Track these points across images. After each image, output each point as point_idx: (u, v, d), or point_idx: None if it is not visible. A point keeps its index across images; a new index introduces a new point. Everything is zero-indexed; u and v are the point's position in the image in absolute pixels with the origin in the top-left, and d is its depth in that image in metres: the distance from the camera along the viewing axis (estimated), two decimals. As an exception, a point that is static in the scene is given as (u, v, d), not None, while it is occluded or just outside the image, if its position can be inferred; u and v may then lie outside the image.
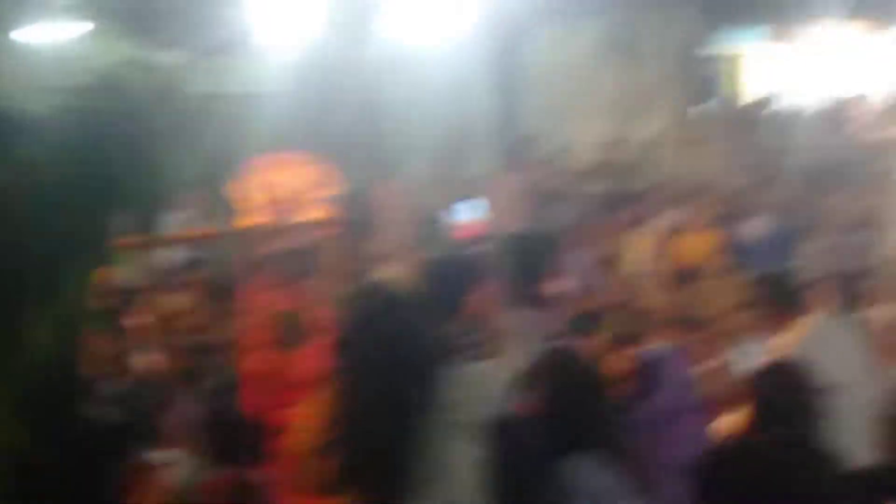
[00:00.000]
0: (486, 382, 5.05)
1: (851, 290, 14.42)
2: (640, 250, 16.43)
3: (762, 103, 23.25)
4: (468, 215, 7.30)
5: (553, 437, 5.25)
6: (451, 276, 6.30)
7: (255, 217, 9.73)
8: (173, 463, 6.44)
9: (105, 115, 2.76)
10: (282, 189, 9.62)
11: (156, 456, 6.10)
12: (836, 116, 22.24)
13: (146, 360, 10.71)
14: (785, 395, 5.79)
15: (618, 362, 9.78)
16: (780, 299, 7.17)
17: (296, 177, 9.86)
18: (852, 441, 6.32)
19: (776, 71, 24.80)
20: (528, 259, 7.98)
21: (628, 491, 5.14)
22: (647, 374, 6.10)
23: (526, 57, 20.15)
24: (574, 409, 5.24)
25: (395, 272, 14.72)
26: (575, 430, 5.20)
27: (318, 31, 16.29)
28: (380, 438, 4.86)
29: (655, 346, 6.88)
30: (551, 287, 15.30)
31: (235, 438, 6.39)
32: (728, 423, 7.18)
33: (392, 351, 4.95)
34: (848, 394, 6.75)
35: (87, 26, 17.25)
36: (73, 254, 2.75)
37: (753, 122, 21.76)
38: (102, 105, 2.70)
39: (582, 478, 5.09)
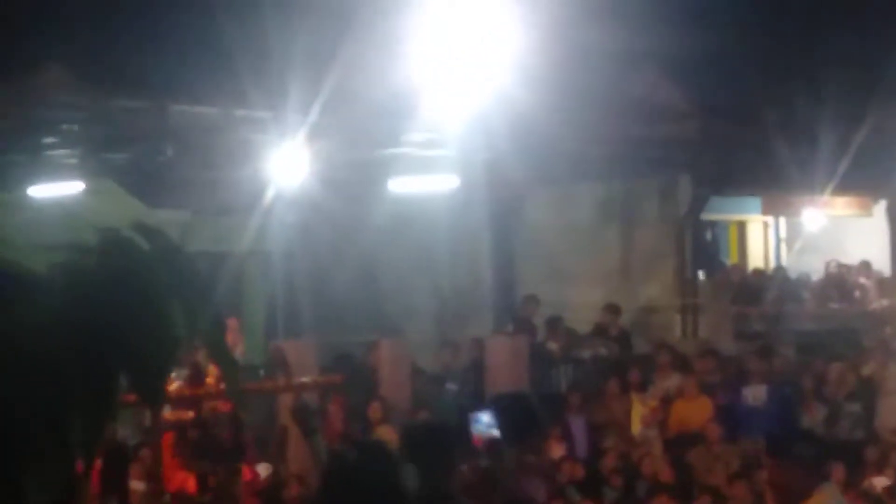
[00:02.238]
0: None
1: (853, 458, 14.41)
2: (639, 416, 16.41)
3: (763, 271, 23.40)
4: (487, 427, 7.27)
5: None
6: (441, 444, 6.24)
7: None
8: None
9: (108, 273, 2.78)
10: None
11: None
12: (836, 285, 22.37)
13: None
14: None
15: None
16: (788, 467, 7.10)
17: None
18: None
19: (775, 240, 25.01)
20: (527, 422, 7.94)
21: None
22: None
23: (525, 219, 20.32)
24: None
25: (389, 434, 14.74)
26: None
27: (321, 192, 16.45)
28: None
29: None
30: (551, 452, 15.32)
31: None
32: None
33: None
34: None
35: (94, 184, 17.50)
36: (76, 413, 2.76)
37: (754, 289, 21.87)
38: (106, 263, 2.72)
39: None
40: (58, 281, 2.78)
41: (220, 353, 2.77)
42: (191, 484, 8.62)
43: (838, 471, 12.80)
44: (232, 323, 14.56)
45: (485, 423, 7.30)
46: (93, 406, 2.65)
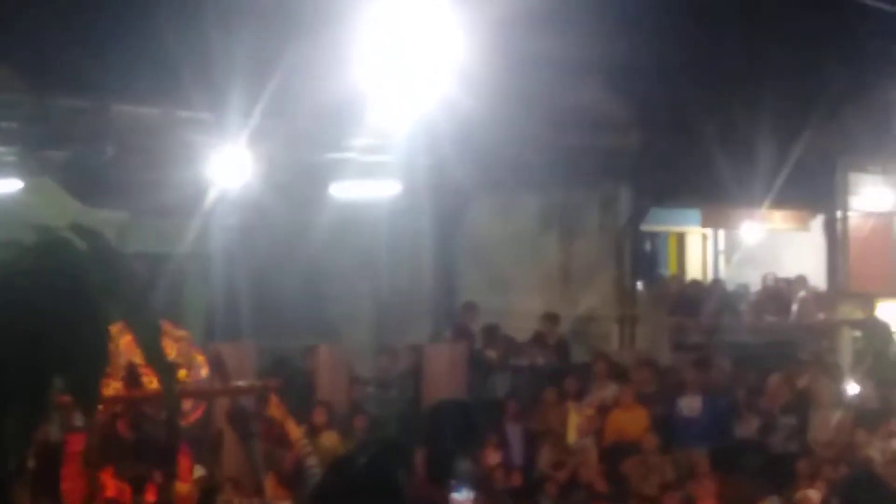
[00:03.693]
0: None
1: (783, 471, 14.53)
2: (576, 424, 16.46)
3: (701, 282, 23.53)
4: (462, 496, 7.24)
5: None
6: (388, 461, 6.23)
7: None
8: None
9: (43, 273, 2.77)
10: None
11: None
12: (773, 298, 22.52)
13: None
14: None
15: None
16: (734, 479, 7.15)
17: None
18: None
19: (713, 252, 25.17)
20: (463, 429, 7.94)
21: None
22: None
23: (467, 226, 20.34)
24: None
25: (334, 439, 14.72)
26: None
27: (262, 194, 16.41)
28: None
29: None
30: (487, 459, 15.35)
31: None
32: None
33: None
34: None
35: (33, 182, 17.37)
36: (7, 412, 2.74)
37: (693, 300, 21.99)
38: (41, 263, 2.71)
39: None
40: (8, 274, 2.76)
41: (154, 356, 2.76)
42: (124, 488, 8.58)
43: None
44: (167, 326, 14.50)
45: (461, 496, 7.29)
46: (25, 405, 2.64)
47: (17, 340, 2.71)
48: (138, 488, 8.26)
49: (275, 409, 8.16)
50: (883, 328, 19.82)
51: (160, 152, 16.39)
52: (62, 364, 2.74)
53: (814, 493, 13.23)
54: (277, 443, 9.61)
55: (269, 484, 9.35)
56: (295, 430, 7.90)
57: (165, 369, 2.99)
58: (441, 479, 7.69)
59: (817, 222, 23.26)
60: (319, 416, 15.15)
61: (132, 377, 9.87)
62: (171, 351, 10.02)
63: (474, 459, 12.74)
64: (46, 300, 2.72)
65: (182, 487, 8.64)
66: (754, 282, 23.38)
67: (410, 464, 6.65)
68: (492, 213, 20.90)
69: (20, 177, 17.16)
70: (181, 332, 10.21)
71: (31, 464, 7.56)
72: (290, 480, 9.10)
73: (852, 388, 16.93)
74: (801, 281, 22.61)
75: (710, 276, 24.39)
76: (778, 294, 22.62)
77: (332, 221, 17.62)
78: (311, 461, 6.91)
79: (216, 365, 9.42)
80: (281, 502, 8.81)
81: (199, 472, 10.57)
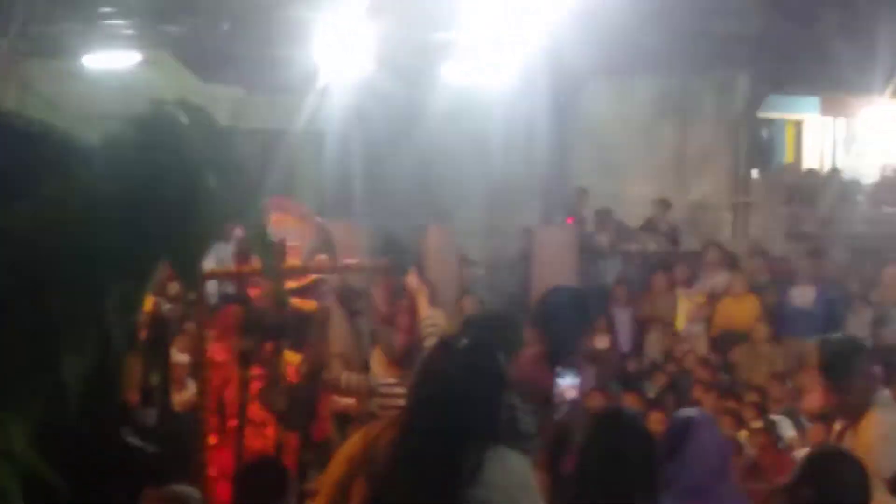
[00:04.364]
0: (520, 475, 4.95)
1: (894, 364, 14.35)
2: (685, 312, 16.39)
3: (818, 172, 23.21)
4: (567, 384, 7.22)
5: (584, 498, 5.22)
6: (497, 334, 6.22)
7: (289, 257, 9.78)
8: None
9: (147, 147, 2.77)
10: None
11: (182, 489, 6.08)
12: (889, 189, 22.15)
13: (185, 393, 10.76)
14: (827, 477, 5.71)
15: (652, 424, 9.74)
16: (834, 369, 7.01)
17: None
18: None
19: (832, 141, 24.76)
20: (573, 315, 7.91)
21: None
22: (676, 438, 6.03)
23: (581, 110, 20.19)
24: (610, 470, 5.22)
25: (440, 319, 14.80)
26: (608, 494, 5.17)
27: (377, 75, 16.38)
28: (421, 487, 4.81)
29: (687, 410, 6.80)
30: (595, 344, 15.35)
31: (265, 485, 6.37)
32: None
33: (466, 404, 4.88)
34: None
35: (150, 56, 17.50)
36: (120, 281, 2.76)
37: (809, 190, 21.71)
38: (144, 136, 2.71)
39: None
40: (106, 152, 2.77)
41: (256, 235, 2.75)
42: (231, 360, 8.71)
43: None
44: (290, 203, 14.49)
45: (565, 382, 7.27)
46: (129, 280, 2.66)
47: (120, 214, 2.71)
48: (245, 362, 8.37)
49: (409, 285, 8.14)
50: None
51: (275, 28, 16.39)
52: (164, 239, 2.74)
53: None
54: (385, 320, 9.66)
55: (375, 361, 9.42)
56: (425, 308, 7.89)
57: (267, 248, 2.98)
58: (550, 363, 7.68)
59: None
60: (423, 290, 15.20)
61: (243, 253, 9.99)
62: (294, 226, 10.12)
63: (583, 344, 12.73)
64: (149, 175, 2.72)
65: (288, 362, 8.74)
66: (872, 172, 23.00)
67: (517, 340, 6.64)
68: (607, 98, 20.72)
69: (138, 50, 17.31)
70: (304, 209, 10.31)
71: (142, 335, 7.69)
72: (401, 358, 9.15)
73: (970, 283, 16.62)
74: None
75: (827, 166, 24.01)
76: (893, 186, 22.24)
77: (446, 103, 17.56)
78: (430, 342, 6.93)
79: (325, 242, 9.48)
80: (388, 379, 8.85)
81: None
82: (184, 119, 2.84)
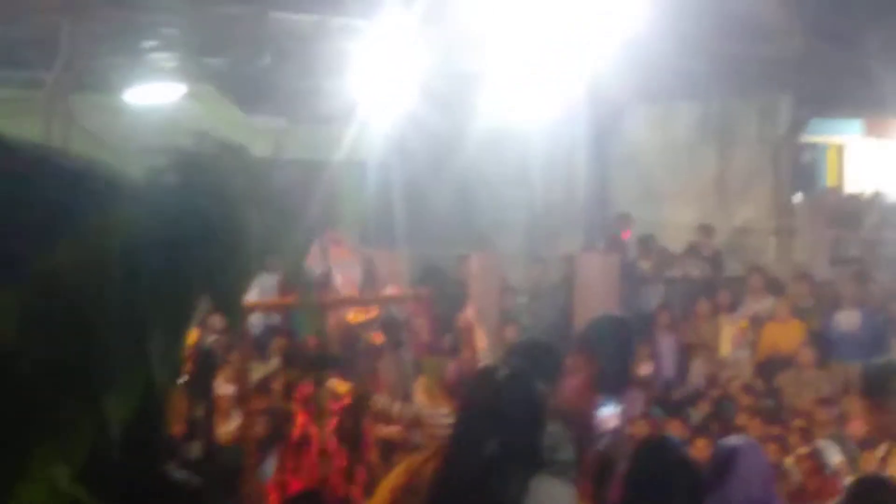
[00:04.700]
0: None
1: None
2: (729, 337, 16.34)
3: (862, 195, 23.12)
4: (609, 412, 7.24)
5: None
6: (539, 362, 6.26)
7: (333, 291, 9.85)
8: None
9: (201, 183, 2.80)
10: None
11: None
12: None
13: (230, 425, 10.81)
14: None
15: (697, 450, 9.72)
16: (874, 390, 7.01)
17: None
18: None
19: (875, 164, 24.67)
20: (617, 342, 7.91)
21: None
22: (721, 465, 6.03)
23: (622, 136, 20.20)
24: (656, 498, 5.23)
25: (483, 347, 14.80)
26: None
27: (417, 104, 16.44)
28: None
29: (732, 437, 6.80)
30: (639, 371, 15.31)
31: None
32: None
33: (507, 434, 4.91)
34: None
35: (194, 89, 17.64)
36: (164, 319, 2.79)
37: (852, 213, 21.63)
38: (206, 169, 2.75)
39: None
40: (148, 189, 2.81)
41: (295, 272, 2.79)
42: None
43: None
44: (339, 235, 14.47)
45: (608, 410, 7.29)
46: (173, 319, 2.69)
47: (162, 256, 2.75)
48: (287, 394, 8.41)
49: (467, 318, 8.19)
50: None
51: (316, 59, 16.49)
52: (207, 278, 2.78)
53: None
54: (427, 350, 9.69)
55: (419, 391, 9.43)
56: (482, 340, 7.93)
57: (305, 286, 3.02)
58: (595, 390, 7.68)
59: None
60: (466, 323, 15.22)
61: (286, 285, 10.05)
62: (349, 259, 10.21)
63: (629, 372, 12.70)
64: (190, 213, 2.75)
65: (333, 395, 8.77)
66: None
67: (558, 368, 6.65)
68: (648, 123, 20.73)
69: (181, 82, 17.44)
70: (355, 241, 10.39)
71: (186, 368, 7.74)
72: (452, 388, 9.16)
73: None
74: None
75: (870, 189, 23.91)
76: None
77: (486, 132, 17.60)
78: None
79: (368, 273, 9.52)
80: (438, 410, 8.87)
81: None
82: (223, 156, 2.88)
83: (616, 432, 7.11)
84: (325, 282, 14.01)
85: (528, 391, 5.02)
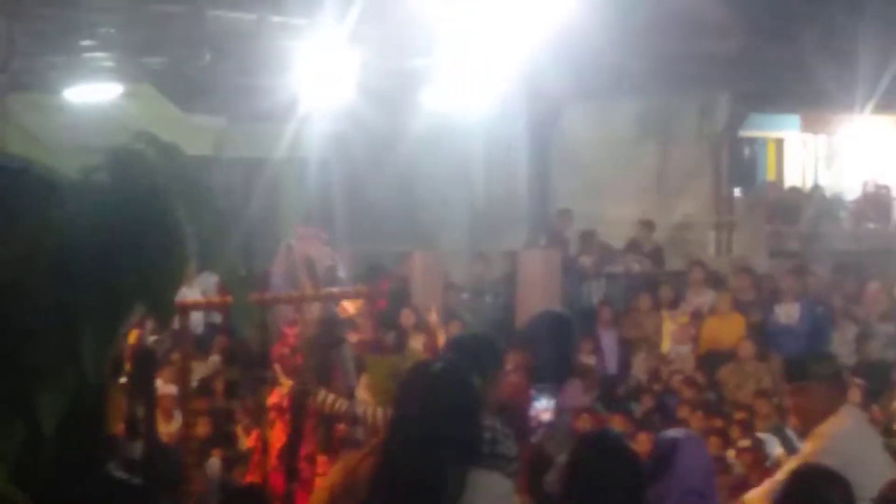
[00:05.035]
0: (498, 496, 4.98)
1: (879, 379, 14.41)
2: (670, 332, 16.42)
3: (800, 189, 23.29)
4: (544, 406, 7.28)
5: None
6: (475, 356, 6.28)
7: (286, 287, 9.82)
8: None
9: (132, 182, 2.79)
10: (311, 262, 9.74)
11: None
12: (872, 204, 22.25)
13: (173, 425, 10.77)
14: (811, 495, 5.79)
15: (639, 444, 9.77)
16: (799, 379, 7.18)
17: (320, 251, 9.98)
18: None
19: (813, 158, 24.86)
20: (557, 337, 7.96)
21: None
22: (661, 457, 6.06)
23: (562, 133, 20.25)
24: (597, 490, 5.24)
25: (419, 345, 14.81)
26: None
27: (357, 101, 16.41)
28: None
29: (673, 430, 6.85)
30: (580, 365, 15.35)
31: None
32: (755, 501, 7.18)
33: (442, 426, 4.92)
34: (875, 486, 6.71)
35: (132, 88, 17.54)
36: (96, 316, 2.77)
37: (791, 207, 21.78)
38: (137, 168, 2.73)
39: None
40: (81, 188, 2.80)
41: (228, 269, 2.78)
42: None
43: (857, 391, 12.84)
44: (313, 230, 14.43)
45: (542, 404, 7.33)
46: (102, 318, 2.67)
47: (94, 250, 2.73)
48: (231, 393, 8.40)
49: (432, 317, 8.18)
50: None
51: (255, 58, 16.43)
52: (139, 276, 2.77)
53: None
54: (371, 348, 9.68)
55: (362, 388, 9.44)
56: (443, 341, 7.93)
57: (238, 282, 3.01)
58: (535, 385, 7.73)
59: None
60: (408, 319, 15.24)
61: (225, 285, 10.01)
62: (321, 252, 10.18)
63: (569, 367, 12.74)
64: (121, 210, 2.74)
65: (273, 393, 8.76)
66: (854, 188, 23.09)
67: (497, 363, 6.66)
68: (588, 120, 20.78)
69: (119, 82, 17.33)
70: (322, 233, 10.35)
71: (126, 368, 7.69)
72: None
73: (952, 297, 16.70)
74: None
75: (808, 183, 24.10)
76: (878, 200, 22.34)
77: (427, 128, 17.60)
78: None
79: (308, 271, 9.50)
80: (376, 407, 8.86)
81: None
82: (154, 155, 2.87)
83: (551, 426, 7.15)
84: (332, 276, 13.96)
85: (462, 384, 5.02)
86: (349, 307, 9.54)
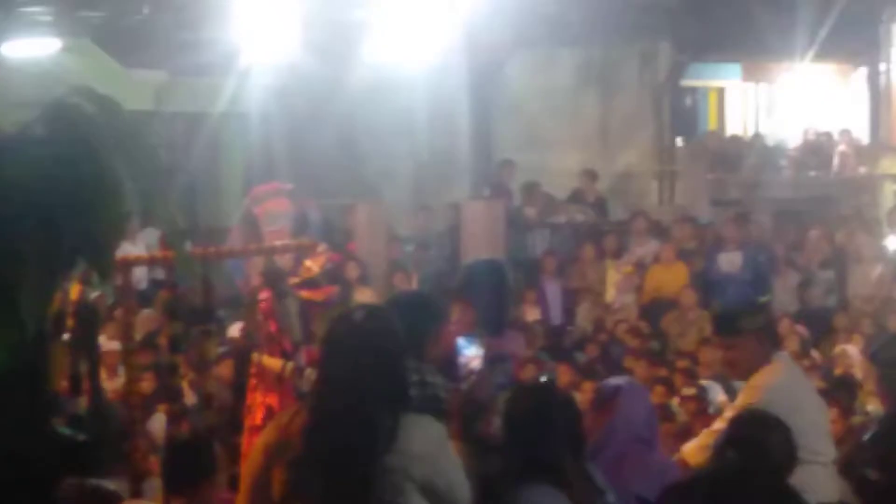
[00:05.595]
0: (433, 440, 5.02)
1: (821, 325, 14.56)
2: (614, 282, 16.48)
3: (741, 138, 23.40)
4: (473, 353, 7.31)
5: (511, 463, 5.28)
6: (417, 312, 6.30)
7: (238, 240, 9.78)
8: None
9: (68, 135, 2.77)
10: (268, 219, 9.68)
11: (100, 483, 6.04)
12: (812, 153, 22.40)
13: (117, 382, 10.72)
14: (752, 441, 5.88)
15: (584, 394, 9.81)
16: (728, 333, 7.28)
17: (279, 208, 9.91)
18: (814, 479, 6.38)
19: (754, 107, 24.97)
20: (502, 287, 7.98)
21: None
22: (603, 407, 6.11)
23: (504, 83, 20.21)
24: (535, 437, 5.27)
25: (368, 296, 14.81)
26: (533, 459, 5.23)
27: (298, 54, 16.31)
28: (339, 461, 4.86)
29: (615, 378, 6.91)
30: (523, 315, 15.39)
31: (194, 463, 6.37)
32: (692, 452, 7.25)
33: (369, 373, 4.95)
34: (811, 432, 6.82)
35: (71, 43, 17.35)
36: (34, 270, 2.76)
37: (732, 156, 21.89)
38: (75, 122, 2.71)
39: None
40: (17, 142, 2.77)
41: (167, 220, 2.77)
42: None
43: (795, 339, 12.97)
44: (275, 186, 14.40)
45: (471, 352, 7.35)
46: (40, 273, 2.66)
47: (28, 209, 2.72)
48: (174, 347, 8.36)
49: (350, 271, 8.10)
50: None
51: (195, 10, 16.30)
52: (77, 231, 2.75)
53: (851, 348, 13.27)
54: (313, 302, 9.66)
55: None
56: (362, 295, 7.92)
57: (176, 234, 3.00)
58: (474, 333, 7.75)
59: (860, 75, 23.02)
60: (352, 272, 15.23)
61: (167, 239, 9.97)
62: (289, 206, 10.11)
63: (512, 315, 12.77)
64: (58, 164, 2.72)
65: (217, 347, 8.75)
66: (795, 136, 23.23)
67: (439, 314, 6.67)
68: (529, 69, 20.76)
69: (58, 36, 17.14)
70: (288, 186, 10.28)
71: (69, 324, 7.65)
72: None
73: (893, 243, 16.85)
74: (842, 135, 22.44)
75: (750, 132, 24.22)
76: (818, 148, 22.49)
77: (368, 81, 17.53)
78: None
79: (249, 225, 9.46)
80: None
81: (235, 329, 10.71)
82: (92, 109, 2.85)
83: (481, 373, 7.18)
84: (301, 229, 13.77)
85: (385, 331, 5.05)
86: (312, 266, 9.51)
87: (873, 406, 10.07)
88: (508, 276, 8.32)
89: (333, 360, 5.04)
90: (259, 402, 8.95)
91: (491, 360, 7.42)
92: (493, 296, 7.88)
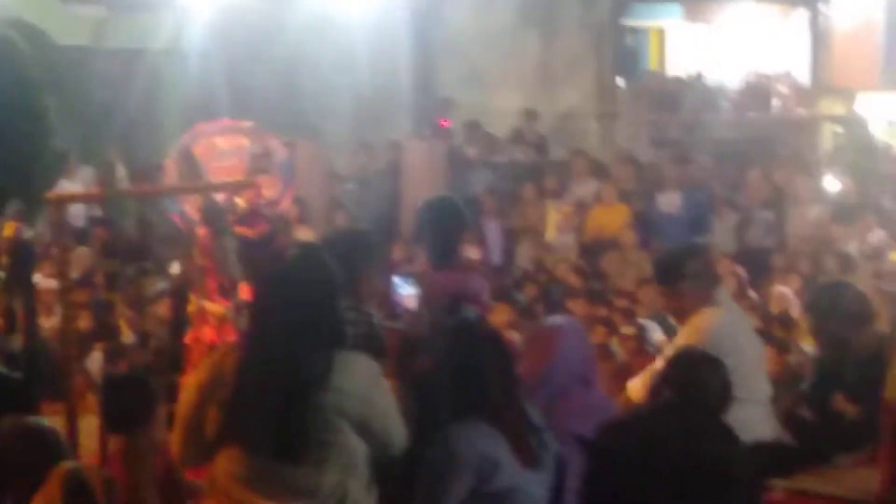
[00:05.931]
0: (365, 376, 5.02)
1: (759, 265, 14.63)
2: (555, 221, 16.50)
3: (682, 78, 23.42)
4: (406, 291, 7.32)
5: (443, 401, 5.28)
6: (352, 250, 6.31)
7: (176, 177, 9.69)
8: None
9: (8, 66, 2.72)
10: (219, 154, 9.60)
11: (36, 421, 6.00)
12: (753, 94, 22.46)
13: (53, 319, 10.64)
14: (688, 380, 5.94)
15: (520, 333, 9.83)
16: (668, 280, 7.34)
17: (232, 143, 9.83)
18: (750, 417, 6.44)
19: (695, 47, 24.98)
20: (442, 226, 7.95)
21: (513, 459, 5.17)
22: (542, 346, 6.11)
23: (444, 21, 20.10)
24: (468, 375, 5.27)
25: (307, 234, 14.75)
26: (465, 396, 5.24)
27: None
28: (273, 398, 4.85)
29: (553, 317, 6.93)
30: (463, 254, 15.38)
31: (132, 402, 6.35)
32: (636, 390, 7.30)
33: (302, 311, 4.94)
34: (748, 372, 6.88)
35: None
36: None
37: (673, 96, 21.91)
38: (6, 56, 2.65)
39: (468, 443, 5.13)
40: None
41: (97, 159, 2.71)
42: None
43: (733, 279, 13.04)
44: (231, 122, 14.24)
45: (406, 290, 7.36)
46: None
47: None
48: (111, 285, 8.32)
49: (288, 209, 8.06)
50: (863, 123, 19.77)
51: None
52: (7, 167, 2.71)
53: (788, 289, 13.35)
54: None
55: (244, 283, 9.38)
56: (301, 233, 7.88)
57: (104, 167, 2.95)
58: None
59: (801, 16, 23.06)
60: (292, 210, 15.16)
61: (106, 176, 9.87)
62: (246, 143, 10.02)
63: (452, 254, 12.75)
64: (15, 90, 2.68)
65: (154, 285, 8.69)
66: (736, 77, 23.27)
67: (370, 257, 6.67)
68: (470, 8, 20.64)
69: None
70: (247, 124, 10.20)
71: (3, 262, 7.58)
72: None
73: (831, 184, 16.94)
74: (782, 76, 22.50)
75: (691, 72, 24.24)
76: (759, 89, 22.54)
77: (309, 17, 17.41)
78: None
79: (186, 161, 9.37)
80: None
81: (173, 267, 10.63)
82: (26, 44, 2.80)
83: (415, 312, 7.20)
84: (261, 166, 13.59)
85: (320, 267, 5.04)
86: (240, 202, 9.45)
87: (808, 345, 10.14)
88: (463, 214, 8.31)
89: (266, 300, 5.02)
90: (198, 339, 8.91)
91: (454, 296, 7.43)
92: (444, 233, 7.88)
